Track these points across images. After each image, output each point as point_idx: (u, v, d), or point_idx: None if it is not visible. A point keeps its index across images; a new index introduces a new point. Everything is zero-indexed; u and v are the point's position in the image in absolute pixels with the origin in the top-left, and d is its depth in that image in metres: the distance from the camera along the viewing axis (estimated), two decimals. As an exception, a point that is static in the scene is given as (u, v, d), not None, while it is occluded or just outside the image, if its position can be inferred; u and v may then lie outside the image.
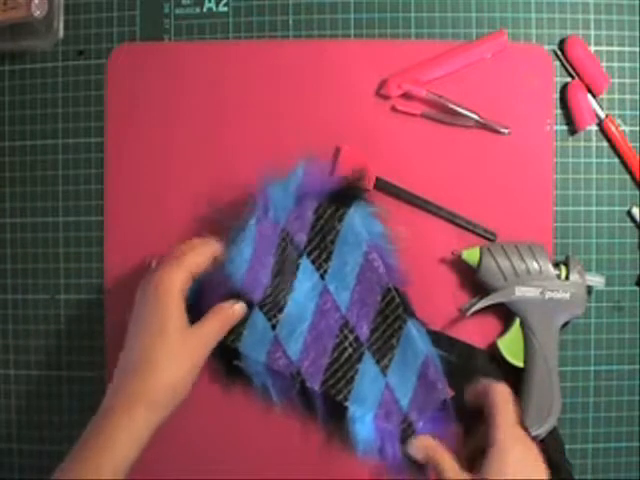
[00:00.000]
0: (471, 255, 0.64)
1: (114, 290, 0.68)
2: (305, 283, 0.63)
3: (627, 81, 0.67)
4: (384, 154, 0.66)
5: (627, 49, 0.67)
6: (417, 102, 0.66)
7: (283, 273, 0.62)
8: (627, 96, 0.67)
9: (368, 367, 0.63)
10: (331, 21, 0.68)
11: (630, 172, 0.67)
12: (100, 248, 0.68)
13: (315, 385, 0.63)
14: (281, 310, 0.63)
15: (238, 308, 0.61)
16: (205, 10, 0.69)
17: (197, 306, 0.61)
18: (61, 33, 0.69)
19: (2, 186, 0.70)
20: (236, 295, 0.61)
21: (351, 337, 0.63)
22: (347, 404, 0.63)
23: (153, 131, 0.68)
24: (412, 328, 0.63)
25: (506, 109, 0.66)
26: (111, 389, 0.56)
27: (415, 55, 0.66)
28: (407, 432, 0.63)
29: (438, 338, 0.66)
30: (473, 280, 0.64)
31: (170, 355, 0.55)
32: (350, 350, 0.63)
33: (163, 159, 0.68)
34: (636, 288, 0.67)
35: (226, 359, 0.64)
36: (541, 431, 0.63)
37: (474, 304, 0.64)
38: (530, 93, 0.66)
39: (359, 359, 0.63)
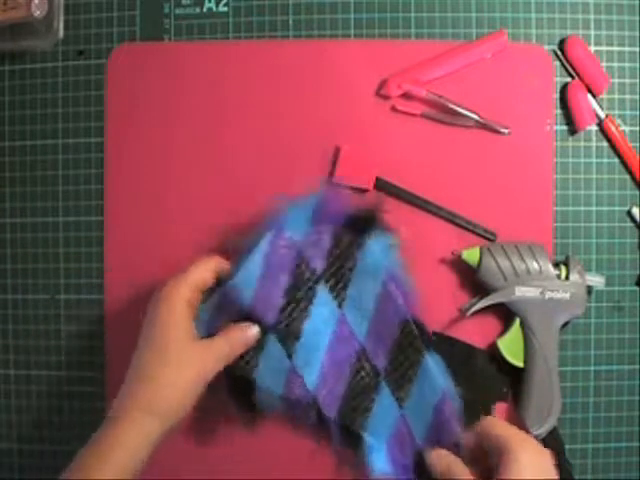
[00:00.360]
0: (471, 255, 0.64)
1: (114, 290, 0.68)
2: (322, 310, 0.61)
3: (627, 81, 0.67)
4: (384, 154, 0.66)
5: (627, 49, 0.67)
6: (417, 102, 0.66)
7: (298, 298, 0.61)
8: (627, 96, 0.67)
9: (384, 397, 0.62)
10: (331, 21, 0.68)
11: (630, 172, 0.67)
12: (100, 248, 0.68)
13: (331, 414, 0.62)
14: (297, 338, 0.61)
15: (252, 330, 0.60)
16: (205, 10, 0.69)
17: (211, 330, 0.60)
18: (61, 33, 0.69)
19: (2, 186, 0.70)
20: (248, 318, 0.60)
21: (368, 367, 0.62)
22: (363, 433, 0.62)
23: (153, 131, 0.68)
24: (430, 361, 0.61)
25: (506, 109, 0.66)
26: (117, 400, 0.56)
27: (415, 55, 0.66)
28: (421, 465, 0.61)
29: (438, 338, 0.66)
30: (473, 280, 0.64)
31: (173, 366, 0.55)
32: (367, 379, 0.62)
33: (163, 159, 0.68)
34: (636, 288, 0.67)
35: (240, 391, 0.61)
36: (541, 431, 0.63)
37: (474, 304, 0.64)
38: (530, 93, 0.66)
39: (376, 389, 0.62)
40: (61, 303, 0.69)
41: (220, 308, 0.60)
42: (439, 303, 0.66)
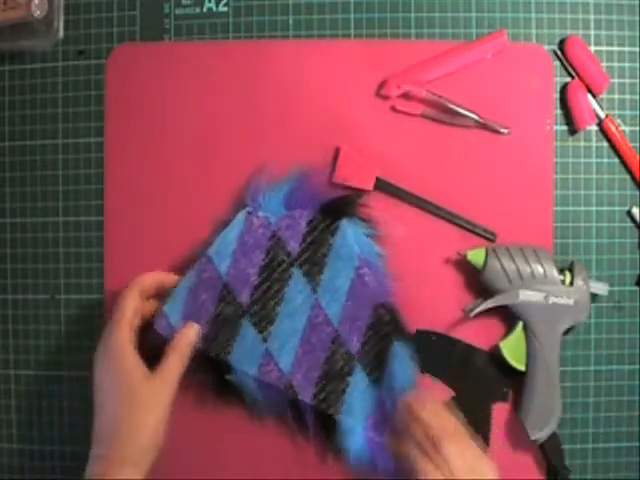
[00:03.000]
0: (476, 256, 0.63)
1: (114, 290, 0.68)
2: (297, 295, 0.63)
3: (627, 81, 0.67)
4: (384, 154, 0.66)
5: (627, 49, 0.67)
6: (417, 102, 0.66)
7: (273, 279, 0.63)
8: (627, 96, 0.67)
9: (359, 380, 0.63)
10: (331, 21, 0.68)
11: (630, 172, 0.67)
12: (100, 248, 0.68)
13: (306, 398, 0.63)
14: (272, 322, 0.63)
15: (191, 332, 0.61)
16: (205, 10, 0.69)
17: (192, 311, 0.62)
18: (61, 33, 0.69)
19: (2, 186, 0.70)
20: (225, 296, 0.62)
21: (342, 350, 0.63)
22: (338, 417, 0.63)
23: (153, 131, 0.68)
24: (398, 349, 0.63)
25: (506, 109, 0.66)
26: (93, 458, 0.57)
27: (415, 55, 0.66)
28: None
29: (438, 338, 0.66)
30: (476, 282, 0.64)
31: (137, 413, 0.57)
32: (341, 363, 0.63)
33: (163, 158, 0.68)
34: (636, 288, 0.67)
35: (216, 373, 0.64)
36: (541, 435, 0.63)
37: (478, 305, 0.63)
38: (530, 93, 0.66)
39: (350, 372, 0.63)
40: (61, 303, 0.69)
41: (197, 286, 0.62)
42: (442, 304, 0.66)
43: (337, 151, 0.66)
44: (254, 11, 0.68)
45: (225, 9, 0.69)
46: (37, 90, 0.69)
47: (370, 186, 0.66)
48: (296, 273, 0.63)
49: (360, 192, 0.64)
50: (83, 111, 0.69)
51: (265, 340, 0.63)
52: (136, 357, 0.58)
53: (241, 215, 0.63)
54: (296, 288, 0.63)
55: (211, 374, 0.64)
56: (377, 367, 0.63)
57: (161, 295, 0.63)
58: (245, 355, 0.63)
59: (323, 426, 0.64)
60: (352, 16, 0.68)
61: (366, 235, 0.64)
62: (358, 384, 0.63)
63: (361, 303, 0.63)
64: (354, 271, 0.63)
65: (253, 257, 0.63)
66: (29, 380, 0.69)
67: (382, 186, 0.66)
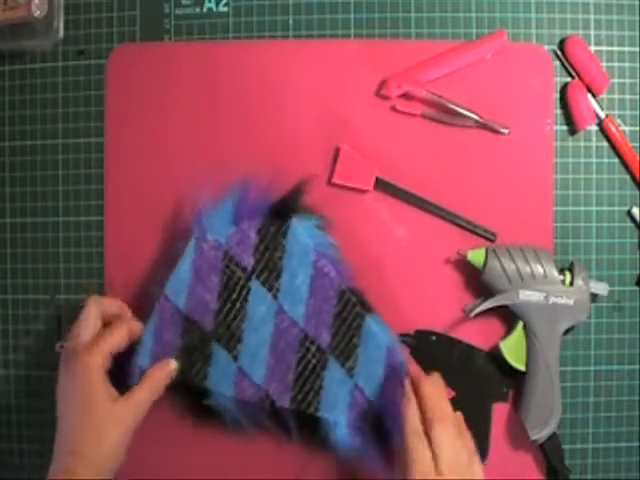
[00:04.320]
0: (476, 256, 0.63)
1: (114, 290, 0.68)
2: (259, 307, 0.63)
3: (627, 81, 0.67)
4: (384, 154, 0.66)
5: (627, 49, 0.67)
6: (417, 102, 0.66)
7: (233, 299, 0.63)
8: (627, 96, 0.67)
9: (334, 372, 0.63)
10: (331, 21, 0.68)
11: (630, 172, 0.67)
12: (100, 248, 0.68)
13: (285, 403, 0.63)
14: (240, 340, 0.63)
15: (168, 367, 0.62)
16: (205, 10, 0.69)
17: (159, 353, 0.63)
18: (61, 33, 0.69)
19: (2, 186, 0.70)
20: (188, 328, 0.62)
21: (313, 348, 0.63)
22: (319, 414, 0.63)
23: (153, 131, 0.68)
24: (371, 323, 0.63)
25: (506, 109, 0.66)
26: (54, 460, 0.58)
27: (415, 55, 0.66)
28: (381, 429, 0.63)
29: (438, 338, 0.66)
30: (477, 282, 0.64)
31: (99, 433, 0.58)
32: (314, 361, 0.63)
33: (162, 158, 0.68)
34: (636, 288, 0.67)
35: (194, 399, 0.64)
36: (541, 435, 0.63)
37: (478, 305, 0.63)
38: (530, 93, 0.66)
39: (324, 367, 0.63)
40: (61, 303, 0.69)
41: (161, 327, 0.63)
42: (442, 304, 0.66)
43: (337, 151, 0.66)
44: (254, 11, 0.68)
45: (225, 9, 0.69)
46: (37, 90, 0.69)
47: (370, 186, 0.66)
48: (254, 286, 0.63)
49: (302, 185, 0.64)
50: (83, 111, 0.69)
51: (236, 359, 0.63)
52: (104, 383, 0.59)
53: (191, 244, 0.63)
54: (257, 300, 0.63)
55: (189, 400, 0.64)
56: (350, 355, 0.63)
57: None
58: (219, 377, 0.63)
59: (306, 426, 0.64)
60: (352, 16, 0.68)
61: (317, 227, 0.64)
62: (334, 377, 0.63)
63: (325, 295, 0.63)
64: (311, 265, 0.63)
65: (209, 283, 0.63)
66: (29, 380, 0.69)
67: (382, 186, 0.66)
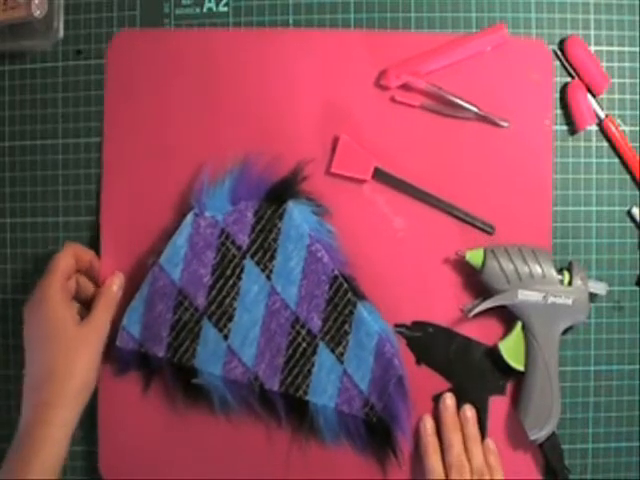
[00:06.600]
0: (475, 257, 0.63)
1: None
2: (252, 286, 0.63)
3: (627, 81, 0.67)
4: (383, 145, 0.66)
5: (627, 49, 0.67)
6: (416, 93, 0.66)
7: (227, 276, 0.63)
8: (627, 96, 0.67)
9: (324, 358, 0.64)
10: (331, 21, 0.68)
11: (630, 172, 0.67)
12: (100, 248, 0.68)
13: (274, 386, 0.64)
14: (231, 318, 0.63)
15: (116, 281, 0.64)
16: (205, 10, 0.69)
17: (150, 322, 0.64)
18: (61, 33, 0.69)
19: (2, 186, 0.70)
20: (181, 301, 0.63)
21: (303, 332, 0.64)
22: (307, 398, 0.64)
23: (152, 117, 0.67)
24: (363, 310, 0.64)
25: (505, 102, 0.66)
26: (27, 406, 0.59)
27: (415, 46, 0.66)
28: (370, 416, 0.64)
29: (436, 331, 0.66)
30: (475, 282, 0.64)
31: (69, 357, 0.59)
32: (304, 345, 0.64)
33: (162, 153, 0.67)
34: (636, 288, 0.67)
35: (183, 378, 0.64)
36: (540, 435, 0.63)
37: (476, 306, 0.63)
38: (529, 87, 0.66)
39: (314, 352, 0.64)
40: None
41: (154, 296, 0.63)
42: (441, 303, 0.66)
43: (336, 140, 0.66)
44: (254, 11, 0.68)
45: (225, 9, 0.68)
46: (37, 90, 0.69)
47: (368, 176, 0.66)
48: (248, 265, 0.63)
49: (300, 170, 0.65)
50: (83, 111, 0.69)
51: (226, 338, 0.63)
52: (66, 306, 0.61)
53: (188, 219, 0.63)
54: (250, 280, 0.63)
55: (178, 380, 0.65)
56: (341, 341, 0.64)
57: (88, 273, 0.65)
58: (209, 356, 0.64)
59: (294, 410, 0.64)
60: (352, 16, 0.68)
61: (314, 213, 0.64)
62: (323, 362, 0.64)
63: (317, 279, 0.63)
64: (306, 249, 0.63)
65: (204, 258, 0.63)
66: (29, 380, 0.69)
67: (380, 176, 0.66)
